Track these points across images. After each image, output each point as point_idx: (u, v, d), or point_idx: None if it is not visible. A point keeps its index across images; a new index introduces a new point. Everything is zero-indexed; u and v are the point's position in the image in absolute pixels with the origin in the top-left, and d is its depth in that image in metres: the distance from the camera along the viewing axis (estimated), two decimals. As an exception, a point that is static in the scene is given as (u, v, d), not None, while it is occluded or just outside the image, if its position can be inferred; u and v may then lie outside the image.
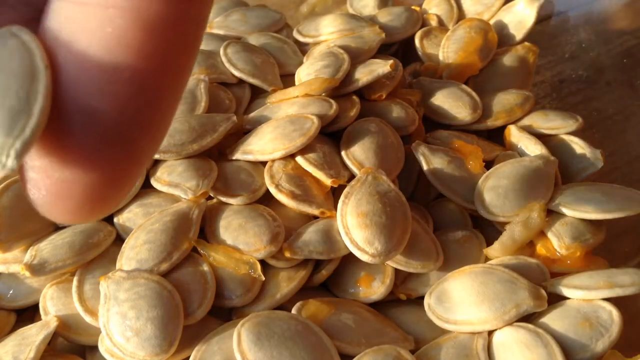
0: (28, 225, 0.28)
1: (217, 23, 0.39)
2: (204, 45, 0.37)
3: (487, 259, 0.29)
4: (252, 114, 0.33)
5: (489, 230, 0.31)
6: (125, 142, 0.12)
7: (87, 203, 0.13)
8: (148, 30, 0.12)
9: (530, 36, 0.39)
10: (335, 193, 0.30)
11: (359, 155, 0.30)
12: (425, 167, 0.31)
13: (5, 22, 0.12)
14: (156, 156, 0.30)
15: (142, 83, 0.12)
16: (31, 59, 0.12)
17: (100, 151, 0.12)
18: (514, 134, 0.34)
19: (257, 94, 0.35)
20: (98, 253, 0.28)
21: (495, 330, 0.26)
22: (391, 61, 0.33)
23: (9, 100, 0.11)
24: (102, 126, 0.12)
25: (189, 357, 0.25)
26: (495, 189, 0.30)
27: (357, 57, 0.34)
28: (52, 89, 0.12)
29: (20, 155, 0.11)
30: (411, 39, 0.39)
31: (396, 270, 0.28)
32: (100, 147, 0.12)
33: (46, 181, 0.12)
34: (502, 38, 0.39)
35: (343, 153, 0.30)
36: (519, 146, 0.33)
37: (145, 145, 0.13)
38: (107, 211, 0.13)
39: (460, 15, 0.41)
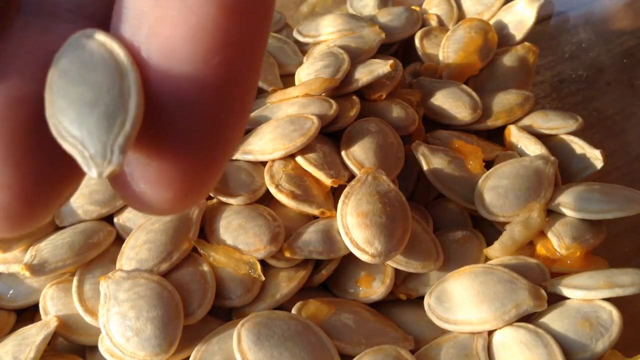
0: (28, 225, 0.28)
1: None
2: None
3: (487, 259, 0.29)
4: (252, 114, 0.33)
5: (489, 230, 0.31)
6: (219, 127, 0.13)
7: (186, 190, 0.13)
8: (231, 16, 0.12)
9: (530, 36, 0.39)
10: (335, 193, 0.30)
11: (359, 155, 0.30)
12: (425, 167, 0.31)
13: (63, 38, 0.12)
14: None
15: (230, 67, 0.12)
16: (114, 57, 0.12)
17: (196, 138, 0.12)
18: (514, 134, 0.34)
19: (257, 94, 0.35)
20: (98, 253, 0.28)
21: (495, 330, 0.26)
22: (391, 61, 0.33)
23: (102, 100, 0.11)
24: (196, 114, 0.12)
25: (189, 357, 0.25)
26: (495, 189, 0.30)
27: (357, 57, 0.34)
28: (142, 83, 0.12)
29: (124, 150, 0.11)
30: (411, 39, 0.39)
31: (396, 270, 0.28)
32: (195, 134, 0.12)
33: (145, 174, 0.13)
34: (502, 38, 0.39)
35: (343, 153, 0.30)
36: (519, 146, 0.33)
37: (236, 127, 0.13)
38: (203, 197, 0.14)
39: (460, 15, 0.41)
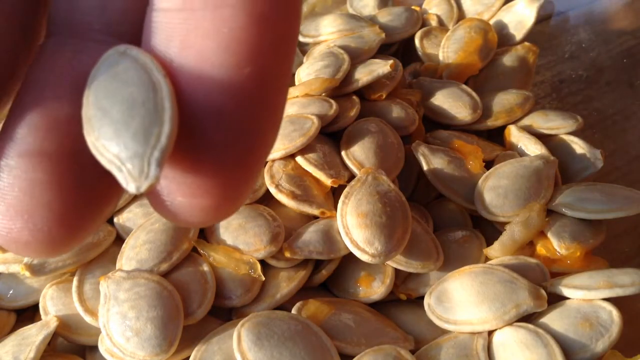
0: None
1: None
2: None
3: (487, 259, 0.29)
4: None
5: (489, 230, 0.31)
6: (252, 136, 0.13)
7: (222, 201, 0.13)
8: (262, 24, 0.12)
9: (530, 36, 0.39)
10: (335, 193, 0.30)
11: (359, 155, 0.30)
12: (425, 167, 0.31)
13: (95, 58, 0.12)
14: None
15: (261, 75, 0.12)
16: (147, 71, 0.12)
17: (230, 148, 0.12)
18: (514, 134, 0.34)
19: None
20: (98, 253, 0.28)
21: (495, 330, 0.26)
22: (391, 61, 0.33)
23: (137, 114, 0.11)
24: (229, 125, 0.12)
25: (189, 357, 0.25)
26: (495, 189, 0.30)
27: (357, 57, 0.34)
28: (175, 96, 0.12)
29: (161, 163, 0.11)
30: (411, 39, 0.39)
31: (396, 270, 0.28)
32: (229, 145, 0.12)
33: (180, 187, 0.12)
34: (502, 38, 0.39)
35: (343, 153, 0.30)
36: (519, 146, 0.33)
37: (269, 134, 0.13)
38: (239, 206, 0.14)
39: (460, 15, 0.41)
